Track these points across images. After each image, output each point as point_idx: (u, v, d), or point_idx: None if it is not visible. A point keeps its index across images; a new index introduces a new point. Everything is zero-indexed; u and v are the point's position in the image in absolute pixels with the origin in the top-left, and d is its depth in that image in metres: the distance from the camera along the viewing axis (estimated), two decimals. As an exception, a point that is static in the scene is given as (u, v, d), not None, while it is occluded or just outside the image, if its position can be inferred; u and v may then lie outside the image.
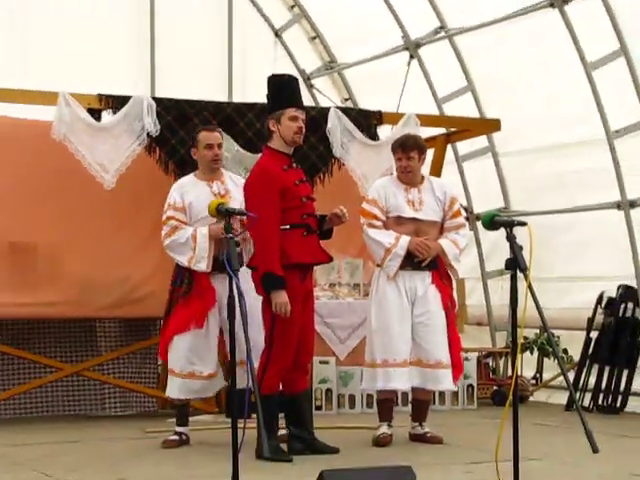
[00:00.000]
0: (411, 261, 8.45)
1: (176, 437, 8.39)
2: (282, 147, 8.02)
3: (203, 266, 8.15)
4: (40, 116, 10.18)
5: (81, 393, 10.16)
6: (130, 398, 10.56)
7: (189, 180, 8.55)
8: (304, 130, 8.03)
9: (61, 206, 9.76)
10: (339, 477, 4.87)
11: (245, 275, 7.85)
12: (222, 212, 5.31)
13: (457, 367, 8.66)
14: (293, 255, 7.80)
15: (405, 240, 8.41)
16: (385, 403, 8.69)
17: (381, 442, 8.43)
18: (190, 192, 8.39)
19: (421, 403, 8.74)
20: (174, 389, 8.38)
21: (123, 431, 8.87)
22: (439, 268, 8.60)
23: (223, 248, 7.52)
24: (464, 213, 11.84)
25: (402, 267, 8.46)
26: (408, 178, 8.64)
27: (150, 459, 7.86)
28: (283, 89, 8.12)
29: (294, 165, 8.05)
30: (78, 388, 10.08)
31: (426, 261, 8.45)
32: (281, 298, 7.58)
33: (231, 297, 5.34)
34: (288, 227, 7.80)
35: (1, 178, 9.86)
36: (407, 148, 8.61)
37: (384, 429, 8.56)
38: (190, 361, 8.26)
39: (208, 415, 9.92)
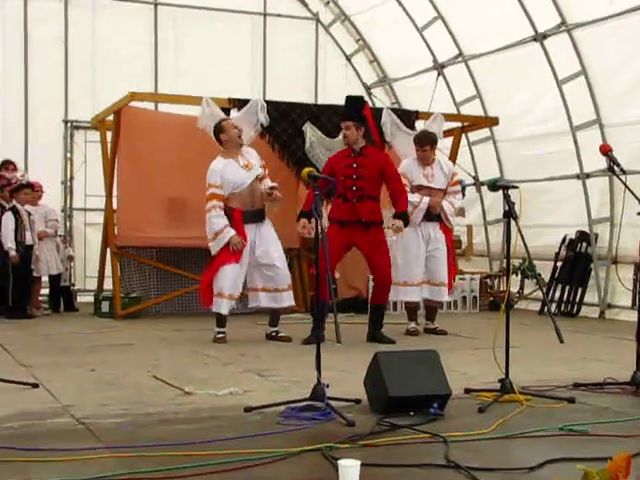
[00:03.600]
0: (428, 214, 8.48)
1: (223, 335, 7.85)
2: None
3: (212, 251, 7.72)
4: (187, 112, 10.16)
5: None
6: (245, 301, 10.49)
7: (221, 162, 7.78)
8: (347, 135, 7.82)
9: (202, 173, 9.75)
10: (389, 356, 4.80)
11: (269, 224, 7.89)
12: (311, 177, 5.27)
13: (450, 285, 8.76)
14: (332, 213, 7.93)
15: (426, 200, 8.43)
16: (411, 309, 8.78)
17: (411, 333, 8.57)
18: (225, 171, 7.71)
19: (430, 308, 8.85)
20: (223, 307, 7.76)
21: (242, 323, 8.91)
22: (444, 220, 8.64)
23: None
24: (467, 181, 11.84)
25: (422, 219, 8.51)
26: (424, 161, 8.59)
27: (259, 341, 7.93)
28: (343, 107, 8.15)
29: (353, 155, 7.84)
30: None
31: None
32: (299, 224, 7.61)
33: (316, 235, 5.12)
34: (335, 196, 7.86)
35: (163, 155, 9.90)
36: (422, 143, 8.59)
37: (413, 325, 8.69)
38: (234, 286, 7.75)
39: (299, 313, 9.92)
